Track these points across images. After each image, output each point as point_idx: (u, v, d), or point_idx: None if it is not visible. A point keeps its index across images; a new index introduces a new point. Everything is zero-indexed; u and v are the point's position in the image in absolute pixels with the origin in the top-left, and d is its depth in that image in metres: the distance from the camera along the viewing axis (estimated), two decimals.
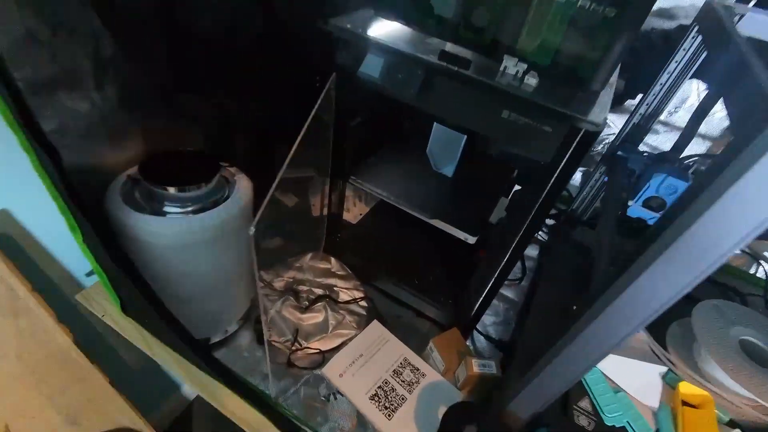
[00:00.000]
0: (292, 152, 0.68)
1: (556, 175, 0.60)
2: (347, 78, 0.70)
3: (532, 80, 0.64)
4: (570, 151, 0.58)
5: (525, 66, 0.66)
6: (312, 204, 1.11)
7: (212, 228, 0.68)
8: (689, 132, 0.99)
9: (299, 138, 0.69)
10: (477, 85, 0.60)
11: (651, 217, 0.85)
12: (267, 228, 0.96)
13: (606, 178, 1.00)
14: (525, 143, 0.59)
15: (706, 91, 1.02)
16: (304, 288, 0.94)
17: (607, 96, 0.65)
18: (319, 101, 0.67)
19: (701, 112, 0.98)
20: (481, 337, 0.96)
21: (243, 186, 0.75)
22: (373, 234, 1.11)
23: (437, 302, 0.96)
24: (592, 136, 0.56)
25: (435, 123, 0.89)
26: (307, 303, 0.90)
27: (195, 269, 0.71)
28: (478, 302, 0.85)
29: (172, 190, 0.66)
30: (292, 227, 1.05)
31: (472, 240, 0.83)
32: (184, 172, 0.69)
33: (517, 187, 0.88)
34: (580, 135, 0.56)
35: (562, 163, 0.59)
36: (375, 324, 0.93)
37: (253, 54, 0.78)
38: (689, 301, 0.94)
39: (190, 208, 0.68)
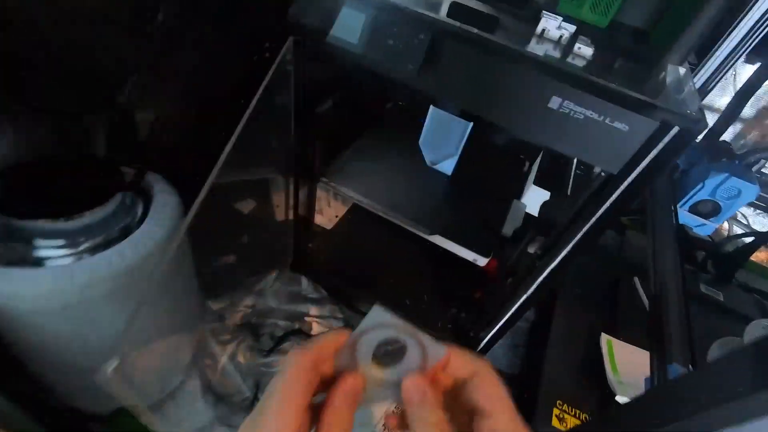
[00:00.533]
0: (227, 150, 0.46)
1: (623, 188, 0.41)
2: (311, 45, 0.48)
3: (585, 49, 0.44)
4: (651, 156, 0.38)
5: (573, 28, 0.45)
6: (276, 205, 0.89)
7: (119, 274, 0.46)
8: (730, 114, 0.82)
9: (239, 128, 0.47)
10: (510, 57, 0.39)
11: (698, 224, 0.69)
12: (217, 243, 0.74)
13: None
14: (586, 146, 0.40)
15: (747, 66, 0.85)
16: (267, 321, 0.73)
17: (686, 75, 0.45)
18: (267, 77, 0.44)
19: (746, 91, 0.81)
20: None
21: (165, 201, 0.53)
22: (352, 241, 0.91)
23: (434, 329, 0.78)
24: (689, 135, 0.37)
25: (432, 106, 0.68)
26: (271, 342, 0.70)
27: (95, 332, 0.49)
28: (490, 334, 0.68)
29: (44, 222, 0.43)
30: (250, 239, 0.83)
31: (482, 262, 0.64)
32: (65, 189, 0.46)
33: (540, 192, 0.69)
34: (671, 135, 0.37)
35: (636, 173, 0.40)
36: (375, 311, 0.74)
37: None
38: (735, 319, 0.81)
39: (82, 246, 0.46)
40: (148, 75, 0.58)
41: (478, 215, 0.70)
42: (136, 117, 0.58)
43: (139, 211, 0.51)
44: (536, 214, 0.69)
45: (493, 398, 0.23)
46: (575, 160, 0.88)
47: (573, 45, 0.44)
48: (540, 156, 0.80)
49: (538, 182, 0.74)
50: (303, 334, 0.73)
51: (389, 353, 0.27)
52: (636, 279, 0.87)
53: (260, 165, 0.67)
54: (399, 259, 0.90)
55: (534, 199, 0.70)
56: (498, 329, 0.66)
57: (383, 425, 0.56)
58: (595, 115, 0.38)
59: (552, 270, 0.53)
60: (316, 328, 0.75)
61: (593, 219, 0.46)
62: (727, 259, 0.84)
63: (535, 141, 0.41)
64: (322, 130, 0.63)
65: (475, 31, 0.40)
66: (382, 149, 0.77)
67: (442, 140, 0.72)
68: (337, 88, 0.62)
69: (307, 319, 0.76)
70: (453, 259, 0.78)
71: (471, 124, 0.68)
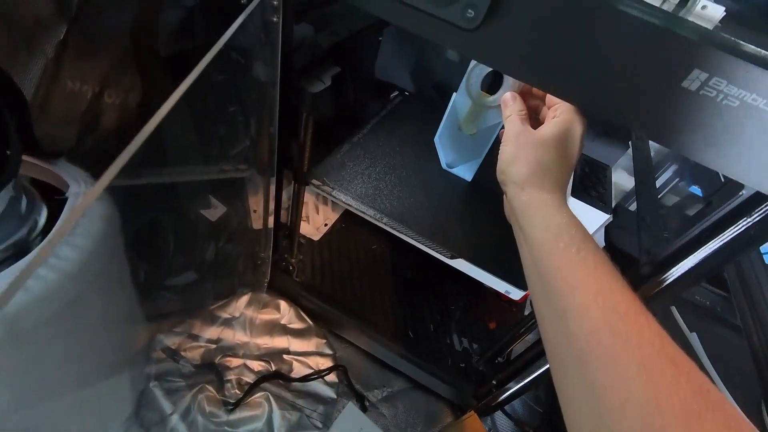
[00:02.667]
0: (155, 122, 0.30)
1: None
2: None
3: (712, 8, 0.30)
4: None
5: None
6: (252, 210, 0.72)
7: (6, 317, 0.29)
8: None
9: (177, 95, 0.31)
10: (630, 6, 0.25)
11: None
12: (171, 258, 0.57)
13: (679, 180, 0.71)
14: (738, 150, 0.26)
15: None
16: (235, 362, 0.57)
17: None
18: (236, 24, 0.28)
19: None
20: (505, 417, 0.65)
21: (86, 206, 0.36)
22: (345, 256, 0.75)
23: (443, 369, 0.64)
24: None
25: (455, 94, 0.53)
26: (237, 392, 0.54)
27: None
28: (523, 382, 0.54)
29: None
30: (218, 252, 0.67)
31: (517, 295, 0.50)
32: None
33: (581, 206, 0.56)
34: None
35: None
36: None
37: None
38: None
39: None
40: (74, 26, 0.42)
41: (505, 234, 0.56)
42: (54, 87, 0.41)
43: (41, 219, 0.34)
44: None
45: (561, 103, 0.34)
46: (611, 170, 0.76)
47: (693, 2, 0.31)
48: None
49: (576, 194, 0.60)
50: (281, 378, 0.57)
51: (492, 84, 0.41)
52: (673, 309, 0.75)
53: (231, 159, 0.51)
54: (402, 280, 0.75)
55: (576, 215, 0.56)
56: (530, 381, 0.52)
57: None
58: (760, 101, 0.24)
59: None
60: (297, 369, 0.60)
61: (701, 257, 0.33)
62: None
63: (656, 140, 0.27)
64: (318, 117, 0.48)
65: None
66: (387, 146, 0.62)
67: (465, 139, 0.57)
68: (340, 59, 0.47)
69: (286, 357, 0.60)
70: (468, 280, 0.64)
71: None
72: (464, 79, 0.47)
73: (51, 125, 0.46)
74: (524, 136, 0.32)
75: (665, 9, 0.30)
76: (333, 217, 0.82)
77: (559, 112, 0.33)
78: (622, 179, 0.89)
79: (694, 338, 0.71)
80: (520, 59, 0.27)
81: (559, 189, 0.32)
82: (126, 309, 0.47)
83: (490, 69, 0.44)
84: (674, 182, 0.75)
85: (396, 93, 0.74)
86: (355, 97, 0.62)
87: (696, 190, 0.70)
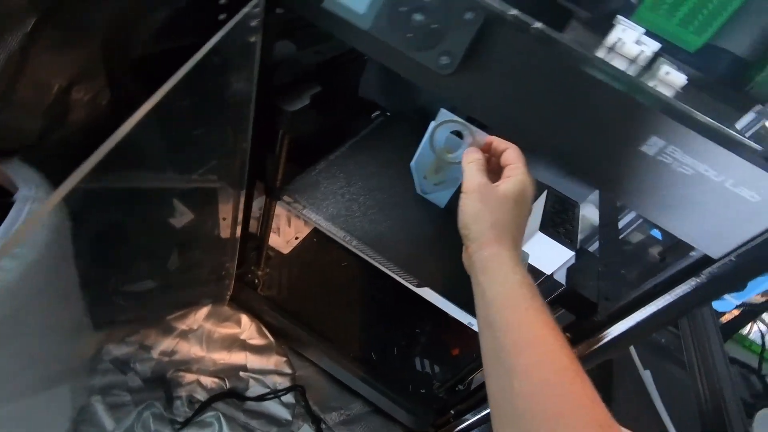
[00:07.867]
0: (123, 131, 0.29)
1: (719, 278, 0.29)
2: (292, 8, 0.32)
3: (675, 75, 0.32)
4: None
5: (656, 45, 0.34)
6: (222, 218, 0.70)
7: None
8: None
9: (154, 99, 0.30)
10: (600, 70, 0.26)
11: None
12: (127, 264, 0.55)
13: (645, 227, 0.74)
14: (686, 214, 0.27)
15: None
16: (188, 378, 0.55)
17: None
18: (213, 40, 0.28)
19: None
20: None
21: (35, 209, 0.34)
22: (314, 272, 0.74)
23: (403, 394, 0.63)
24: None
25: (433, 122, 0.54)
26: (187, 410, 0.52)
27: None
28: (479, 415, 0.54)
29: None
30: (181, 260, 0.64)
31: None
32: None
33: (547, 242, 0.57)
34: None
35: (750, 262, 0.28)
36: None
37: None
38: None
39: None
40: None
41: None
42: (16, 79, 0.39)
43: None
44: (545, 270, 0.57)
45: (516, 158, 0.35)
46: (579, 207, 0.78)
47: (658, 68, 0.32)
48: (545, 194, 0.68)
49: (545, 229, 0.62)
50: (235, 397, 0.55)
51: (453, 142, 0.44)
52: (648, 373, 0.75)
53: (200, 171, 0.49)
54: (368, 298, 0.74)
55: (541, 250, 0.58)
56: (487, 413, 0.52)
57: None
58: (711, 173, 0.25)
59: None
60: (253, 387, 0.58)
61: (654, 309, 0.34)
62: None
63: (615, 197, 0.28)
64: (295, 135, 0.47)
65: (538, 27, 0.27)
66: (363, 167, 0.62)
67: (441, 164, 0.58)
68: (323, 78, 0.46)
69: (242, 374, 0.58)
70: (433, 307, 0.64)
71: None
72: (427, 136, 0.48)
73: (9, 118, 0.43)
74: (486, 190, 0.33)
75: (632, 71, 0.31)
76: (305, 231, 0.80)
77: (515, 173, 0.34)
78: (591, 213, 0.92)
79: (647, 376, 0.74)
80: (491, 107, 0.28)
81: (516, 246, 0.33)
82: (71, 320, 0.44)
83: (453, 129, 0.45)
84: (639, 222, 0.78)
85: (377, 113, 0.75)
86: (337, 116, 0.62)
87: (656, 234, 0.73)
